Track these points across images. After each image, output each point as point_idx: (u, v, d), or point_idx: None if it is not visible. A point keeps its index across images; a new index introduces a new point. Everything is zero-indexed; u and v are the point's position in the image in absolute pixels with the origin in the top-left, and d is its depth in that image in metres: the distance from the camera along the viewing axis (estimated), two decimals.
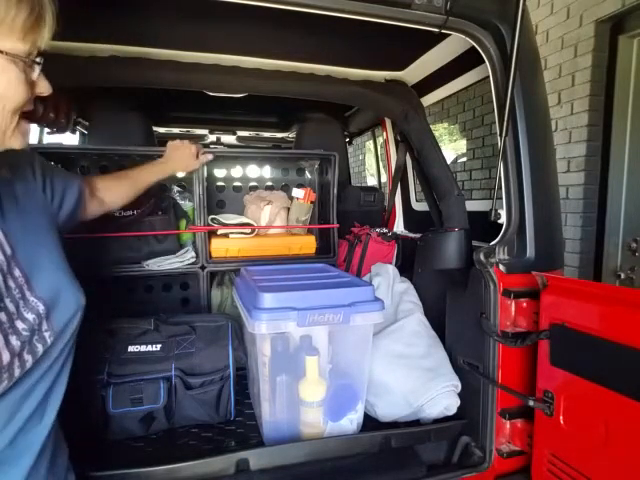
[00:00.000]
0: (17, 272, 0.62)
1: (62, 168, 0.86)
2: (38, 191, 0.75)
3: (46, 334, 0.63)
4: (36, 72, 0.58)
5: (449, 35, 1.16)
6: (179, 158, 1.30)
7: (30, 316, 0.61)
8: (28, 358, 0.59)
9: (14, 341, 0.57)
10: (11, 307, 0.59)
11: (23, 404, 0.60)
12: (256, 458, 1.01)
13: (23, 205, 0.68)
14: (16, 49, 0.54)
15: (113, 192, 1.06)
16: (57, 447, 0.70)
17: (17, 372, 0.57)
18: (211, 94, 1.58)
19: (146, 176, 1.18)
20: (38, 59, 0.58)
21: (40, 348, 0.61)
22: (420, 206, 1.98)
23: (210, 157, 1.40)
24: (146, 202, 1.45)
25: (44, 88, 0.60)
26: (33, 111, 0.60)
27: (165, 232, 1.49)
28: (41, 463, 0.64)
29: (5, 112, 0.55)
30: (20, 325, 0.59)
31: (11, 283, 0.60)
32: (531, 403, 1.02)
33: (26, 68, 0.56)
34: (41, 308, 0.63)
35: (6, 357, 0.55)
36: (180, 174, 1.72)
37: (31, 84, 0.58)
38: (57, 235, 0.75)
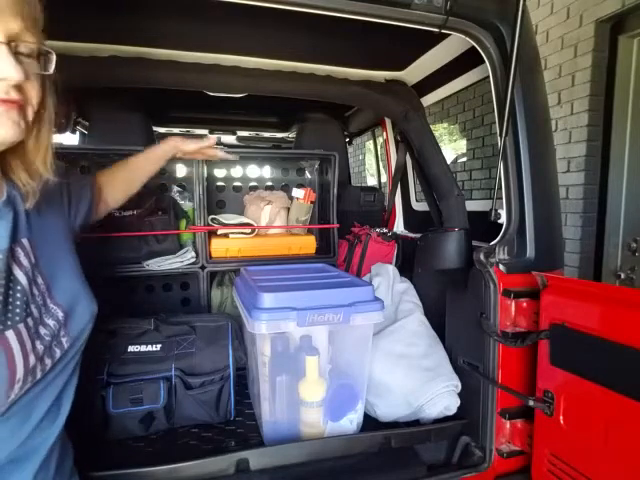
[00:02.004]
0: (40, 279, 0.64)
1: (75, 173, 0.87)
2: (57, 200, 0.76)
3: (63, 339, 0.65)
4: None
5: (449, 35, 1.16)
6: (166, 141, 1.18)
7: (51, 322, 0.63)
8: (48, 362, 0.61)
9: (38, 345, 0.59)
10: (35, 313, 0.61)
11: (38, 404, 0.62)
12: (256, 458, 1.01)
13: (45, 214, 0.69)
14: None
15: (114, 188, 1.03)
16: (65, 448, 0.72)
17: (39, 375, 0.60)
18: (211, 94, 1.58)
19: (146, 163, 1.10)
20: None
21: (58, 353, 0.63)
22: (420, 206, 1.98)
23: (217, 153, 1.29)
24: (146, 202, 1.45)
25: (5, 71, 0.51)
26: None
27: (165, 232, 1.49)
28: (51, 461, 0.66)
29: None
30: (42, 330, 0.61)
31: (35, 290, 0.62)
32: (531, 403, 1.02)
33: None
34: (60, 315, 0.65)
35: (32, 361, 0.57)
36: (180, 174, 1.73)
37: None
38: (73, 243, 0.76)
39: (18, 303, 0.58)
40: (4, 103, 0.53)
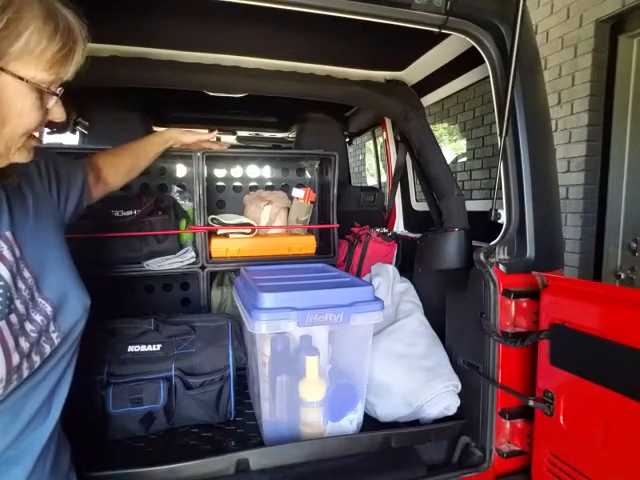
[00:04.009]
0: (27, 273, 0.63)
1: (65, 158, 0.86)
2: (45, 192, 0.75)
3: (53, 335, 0.63)
4: (53, 101, 0.59)
5: (449, 35, 1.16)
6: (167, 130, 1.23)
7: (38, 318, 0.61)
8: (36, 359, 0.60)
9: (23, 343, 0.58)
10: (21, 309, 0.60)
11: (27, 402, 0.61)
12: (256, 458, 1.01)
13: (31, 208, 0.68)
14: (38, 78, 0.54)
15: (117, 169, 1.04)
16: (60, 445, 0.71)
17: (26, 373, 0.58)
18: (211, 94, 1.58)
19: (146, 147, 1.13)
20: (58, 90, 0.59)
21: (48, 349, 0.62)
22: (420, 206, 1.98)
23: (212, 146, 1.37)
24: (146, 202, 1.45)
25: (58, 115, 0.61)
26: None
27: (165, 232, 1.49)
28: (45, 461, 0.65)
29: (14, 134, 0.55)
30: (29, 327, 0.60)
31: (21, 284, 0.61)
32: (531, 403, 1.02)
33: (44, 96, 0.57)
34: (49, 309, 0.63)
35: (16, 359, 0.56)
36: (180, 174, 1.73)
37: (46, 111, 0.59)
38: (63, 235, 0.75)
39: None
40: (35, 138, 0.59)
